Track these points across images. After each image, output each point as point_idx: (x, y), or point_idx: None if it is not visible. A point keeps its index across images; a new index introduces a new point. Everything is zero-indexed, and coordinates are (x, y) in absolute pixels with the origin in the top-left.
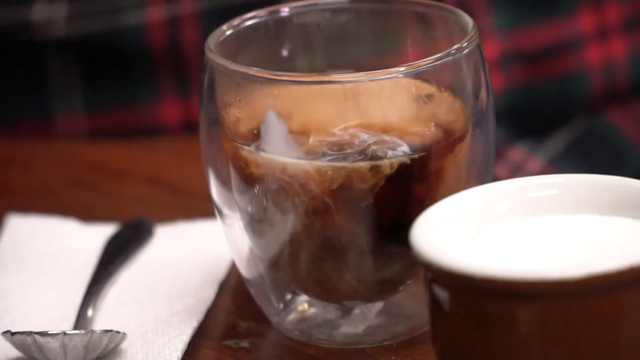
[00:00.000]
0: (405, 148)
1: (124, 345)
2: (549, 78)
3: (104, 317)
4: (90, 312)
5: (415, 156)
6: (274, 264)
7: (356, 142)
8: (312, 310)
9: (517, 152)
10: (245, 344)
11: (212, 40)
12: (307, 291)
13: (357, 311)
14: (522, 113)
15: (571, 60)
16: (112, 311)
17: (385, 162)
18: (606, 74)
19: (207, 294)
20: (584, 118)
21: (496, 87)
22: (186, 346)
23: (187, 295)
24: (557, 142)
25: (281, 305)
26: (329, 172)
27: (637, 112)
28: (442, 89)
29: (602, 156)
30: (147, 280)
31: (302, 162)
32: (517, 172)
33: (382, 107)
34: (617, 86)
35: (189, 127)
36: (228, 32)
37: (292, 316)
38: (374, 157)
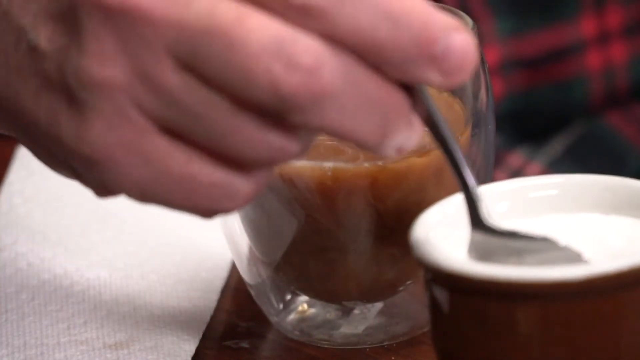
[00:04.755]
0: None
1: (133, 334)
2: (549, 83)
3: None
4: None
5: (415, 157)
6: (274, 265)
7: None
8: (312, 310)
9: (517, 158)
10: (245, 344)
11: None
12: (307, 291)
13: (357, 311)
14: (521, 118)
15: (571, 65)
16: (123, 280)
17: (385, 163)
18: (606, 78)
19: (211, 296)
20: (584, 122)
21: (496, 93)
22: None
23: (194, 294)
24: (556, 146)
25: (281, 306)
26: (329, 173)
27: (637, 115)
28: (442, 89)
29: (601, 159)
30: (151, 260)
31: (303, 163)
32: (516, 177)
33: None
34: (617, 90)
35: None
36: None
37: (292, 316)
38: (373, 157)
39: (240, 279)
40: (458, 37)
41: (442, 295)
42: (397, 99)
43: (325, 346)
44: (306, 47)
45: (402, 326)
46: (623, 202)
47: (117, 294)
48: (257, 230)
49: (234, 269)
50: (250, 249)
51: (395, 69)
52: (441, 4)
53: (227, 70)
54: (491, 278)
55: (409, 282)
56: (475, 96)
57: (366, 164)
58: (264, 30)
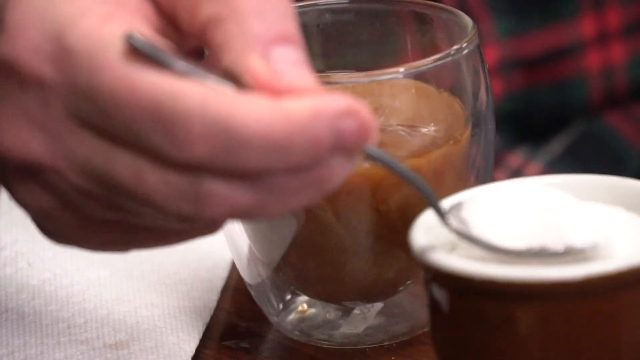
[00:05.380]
0: (405, 149)
1: (133, 334)
2: (549, 83)
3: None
4: None
5: (415, 157)
6: (274, 265)
7: None
8: (312, 310)
9: (516, 158)
10: (245, 344)
11: None
12: (307, 291)
13: (357, 311)
14: (521, 118)
15: (571, 65)
16: (123, 280)
17: None
18: (605, 78)
19: (211, 296)
20: (583, 122)
21: (496, 93)
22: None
23: (194, 294)
24: (556, 146)
25: (281, 306)
26: None
27: (636, 115)
28: (442, 89)
29: (601, 159)
30: (152, 260)
31: None
32: (516, 177)
33: (381, 108)
34: (616, 90)
35: None
36: None
37: (291, 316)
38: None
39: (240, 279)
40: (347, 123)
41: (442, 295)
42: (324, 174)
43: (325, 346)
44: (209, 190)
45: (402, 326)
46: (623, 202)
47: (118, 294)
48: (257, 230)
49: (234, 269)
50: (250, 249)
51: (304, 172)
52: (441, 5)
53: (135, 208)
54: (491, 278)
55: (409, 282)
56: (475, 96)
57: (366, 165)
58: (163, 186)
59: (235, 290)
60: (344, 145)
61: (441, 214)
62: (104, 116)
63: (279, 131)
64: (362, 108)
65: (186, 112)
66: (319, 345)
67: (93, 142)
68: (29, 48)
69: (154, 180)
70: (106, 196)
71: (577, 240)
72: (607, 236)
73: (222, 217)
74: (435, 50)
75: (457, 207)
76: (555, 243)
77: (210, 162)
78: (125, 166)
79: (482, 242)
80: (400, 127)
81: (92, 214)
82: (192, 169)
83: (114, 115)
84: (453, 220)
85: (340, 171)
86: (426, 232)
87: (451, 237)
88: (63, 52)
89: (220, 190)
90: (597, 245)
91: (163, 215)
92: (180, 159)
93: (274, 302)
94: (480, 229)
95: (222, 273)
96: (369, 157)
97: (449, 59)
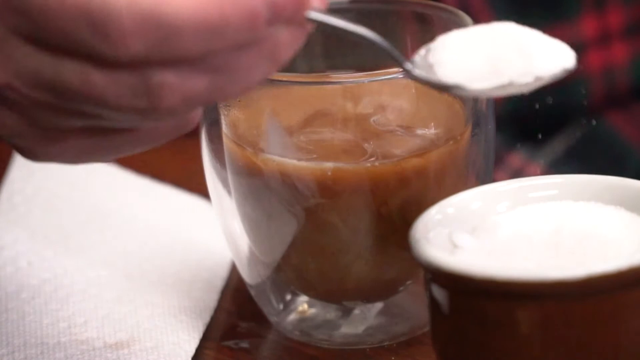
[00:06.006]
0: (405, 149)
1: (134, 334)
2: (549, 83)
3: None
4: None
5: (415, 157)
6: (274, 265)
7: (356, 143)
8: (312, 310)
9: (517, 158)
10: (245, 344)
11: None
12: (307, 291)
13: (357, 311)
14: (521, 118)
15: None
16: (123, 280)
17: (385, 163)
18: (606, 78)
19: (211, 296)
20: (584, 122)
21: None
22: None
23: (194, 294)
24: (556, 146)
25: (281, 306)
26: (329, 173)
27: (637, 116)
28: None
29: (601, 159)
30: (152, 260)
31: (303, 163)
32: (516, 177)
33: (381, 108)
34: (617, 90)
35: None
36: None
37: (292, 317)
38: (374, 158)
39: (240, 279)
40: None
41: (442, 295)
42: (272, 46)
43: (325, 346)
44: (159, 81)
45: (402, 326)
46: (623, 202)
47: (118, 294)
48: (257, 230)
49: (234, 269)
50: (250, 249)
51: (250, 48)
52: (441, 4)
53: (93, 111)
54: (491, 278)
55: (409, 282)
56: None
57: (367, 165)
58: (112, 86)
59: (235, 290)
60: (282, 15)
61: (401, 64)
62: (40, 29)
63: (211, 12)
64: None
65: (114, 11)
66: (319, 345)
67: (38, 55)
68: None
69: (102, 81)
70: (63, 104)
71: (545, 69)
72: (573, 62)
73: (180, 107)
74: None
75: (425, 53)
76: (524, 75)
77: (150, 55)
78: (72, 73)
79: (448, 84)
80: (400, 128)
81: (57, 124)
82: (136, 65)
83: (48, 27)
84: (418, 68)
85: (289, 40)
86: (426, 232)
87: (451, 237)
88: None
89: (170, 80)
90: (566, 71)
91: (121, 113)
92: (120, 57)
93: (274, 302)
94: (448, 71)
95: (222, 273)
96: (312, 21)
97: None
